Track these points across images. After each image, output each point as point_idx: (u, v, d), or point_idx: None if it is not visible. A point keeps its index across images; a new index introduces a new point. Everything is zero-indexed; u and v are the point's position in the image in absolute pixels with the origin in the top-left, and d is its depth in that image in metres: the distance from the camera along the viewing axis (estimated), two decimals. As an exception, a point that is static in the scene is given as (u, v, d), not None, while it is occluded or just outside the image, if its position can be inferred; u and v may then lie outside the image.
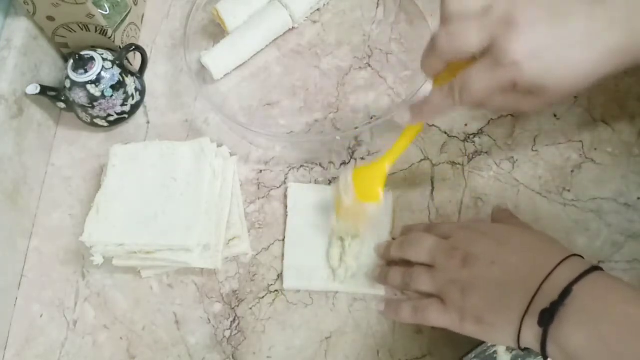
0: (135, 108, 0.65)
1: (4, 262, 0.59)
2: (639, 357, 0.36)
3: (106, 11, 0.62)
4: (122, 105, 0.63)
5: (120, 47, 0.65)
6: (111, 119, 0.64)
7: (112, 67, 0.61)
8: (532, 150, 0.58)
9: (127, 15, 0.66)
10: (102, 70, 0.60)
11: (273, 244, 0.58)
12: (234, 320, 0.55)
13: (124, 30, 0.66)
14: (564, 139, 0.57)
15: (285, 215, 0.58)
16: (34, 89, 0.60)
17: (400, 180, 0.58)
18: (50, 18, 0.61)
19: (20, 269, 0.61)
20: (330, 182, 0.59)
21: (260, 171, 0.61)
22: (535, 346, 0.40)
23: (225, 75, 0.66)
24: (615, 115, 0.57)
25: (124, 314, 0.57)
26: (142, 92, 0.66)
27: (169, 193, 0.56)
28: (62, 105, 0.63)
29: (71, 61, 0.61)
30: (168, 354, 0.55)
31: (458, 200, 0.57)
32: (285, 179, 0.61)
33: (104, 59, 0.61)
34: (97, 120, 0.64)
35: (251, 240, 0.58)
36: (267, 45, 0.67)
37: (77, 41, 0.65)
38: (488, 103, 0.42)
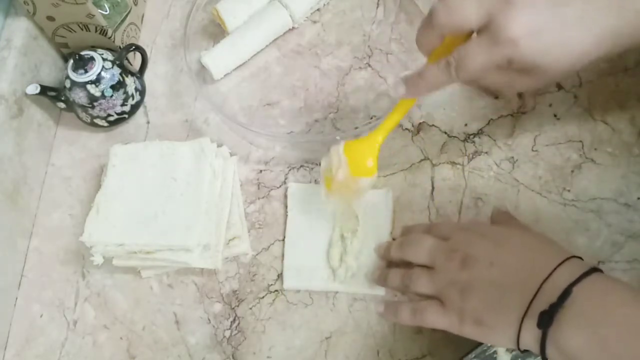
0: (135, 108, 0.65)
1: (4, 262, 0.59)
2: (638, 358, 0.36)
3: (106, 11, 0.62)
4: (122, 105, 0.63)
5: (120, 47, 0.65)
6: (111, 119, 0.64)
7: (112, 67, 0.61)
8: (532, 150, 0.57)
9: (127, 15, 0.66)
10: (102, 70, 0.60)
11: (273, 244, 0.58)
12: (234, 320, 0.55)
13: (124, 30, 0.66)
14: (564, 139, 0.57)
15: (285, 215, 0.58)
16: (34, 89, 0.60)
17: (400, 180, 0.58)
18: (50, 18, 0.61)
19: (20, 269, 0.61)
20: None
21: (260, 171, 0.61)
22: (534, 348, 0.40)
23: (225, 75, 0.66)
24: (615, 115, 0.57)
25: (124, 314, 0.57)
26: (142, 92, 0.66)
27: (169, 193, 0.56)
28: (62, 105, 0.63)
29: (71, 61, 0.61)
30: (168, 354, 0.55)
31: (458, 201, 0.57)
32: (285, 179, 0.61)
33: (104, 59, 0.61)
34: (97, 120, 0.64)
35: (251, 240, 0.58)
36: (267, 45, 0.67)
37: (77, 41, 0.65)
38: (483, 80, 0.42)
